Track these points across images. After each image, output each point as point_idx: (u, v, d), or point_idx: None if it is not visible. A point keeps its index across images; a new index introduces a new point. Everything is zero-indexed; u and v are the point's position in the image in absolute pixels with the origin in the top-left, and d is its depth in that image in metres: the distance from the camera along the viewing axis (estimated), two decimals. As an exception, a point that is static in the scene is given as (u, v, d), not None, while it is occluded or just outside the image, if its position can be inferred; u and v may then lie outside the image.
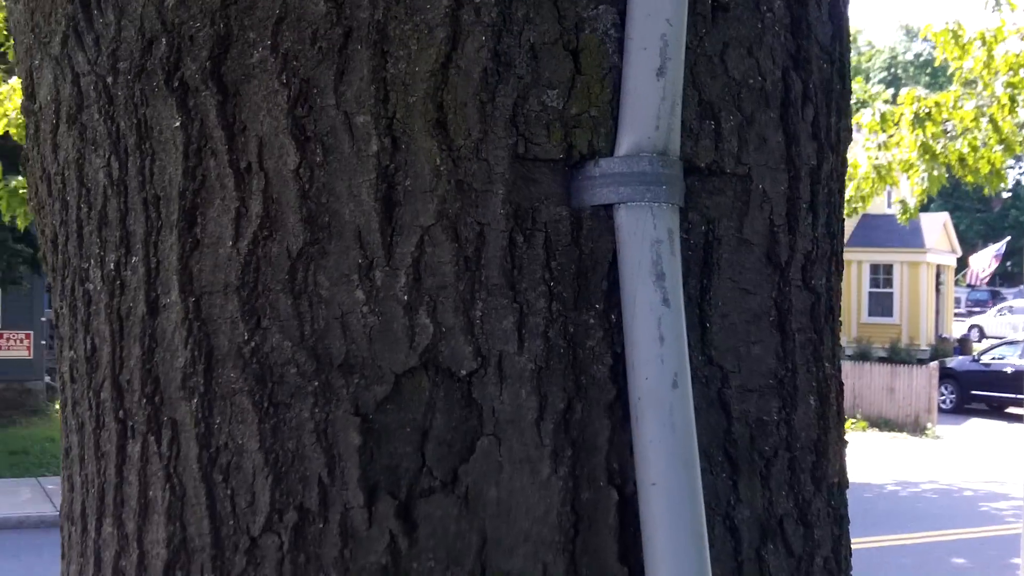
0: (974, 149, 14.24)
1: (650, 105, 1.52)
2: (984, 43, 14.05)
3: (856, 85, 29.14)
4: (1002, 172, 14.54)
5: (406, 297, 1.48)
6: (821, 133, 1.73)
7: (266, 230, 1.50)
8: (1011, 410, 33.61)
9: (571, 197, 1.53)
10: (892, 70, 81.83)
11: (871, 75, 76.86)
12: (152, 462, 1.58)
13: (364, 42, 1.49)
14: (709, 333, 1.61)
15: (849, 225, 42.37)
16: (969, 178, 14.53)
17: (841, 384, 1.83)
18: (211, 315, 1.53)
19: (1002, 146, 14.16)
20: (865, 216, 41.05)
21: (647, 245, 1.51)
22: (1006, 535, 16.40)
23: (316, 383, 1.49)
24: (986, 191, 14.93)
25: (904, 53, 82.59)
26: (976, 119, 14.08)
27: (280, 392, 1.50)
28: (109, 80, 1.61)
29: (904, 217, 15.54)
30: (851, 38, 1.93)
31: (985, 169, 14.40)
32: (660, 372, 1.49)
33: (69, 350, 1.72)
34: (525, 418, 1.50)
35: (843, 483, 1.79)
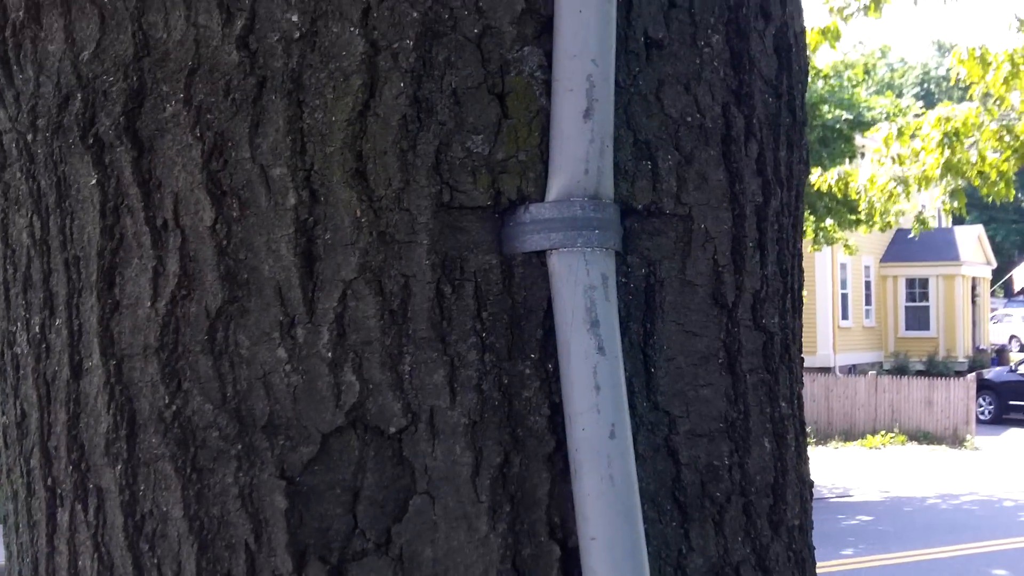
0: (983, 158, 14.17)
1: (578, 148, 1.47)
2: (1012, 64, 14.01)
3: (887, 99, 29.12)
4: (1010, 181, 14.49)
5: (330, 354, 1.44)
6: (768, 169, 1.68)
7: (184, 289, 1.46)
8: (1050, 420, 33.31)
9: (502, 244, 1.49)
10: (925, 85, 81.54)
11: (904, 91, 76.58)
12: (80, 531, 1.53)
13: (279, 92, 1.45)
14: (654, 378, 1.56)
15: (883, 240, 42.24)
16: (985, 191, 14.46)
17: (803, 423, 1.77)
18: (132, 378, 1.49)
19: (1015, 155, 14.10)
20: (899, 231, 40.85)
21: (580, 291, 1.46)
22: (1047, 546, 16.21)
23: (239, 446, 1.44)
24: (989, 199, 14.86)
25: (936, 68, 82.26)
26: (1000, 138, 14.03)
27: (203, 456, 1.45)
28: (29, 137, 1.58)
29: (916, 229, 15.50)
30: (809, 67, 1.88)
31: (994, 175, 14.33)
32: (597, 422, 1.44)
33: (2, 416, 1.68)
34: (460, 474, 1.45)
35: (805, 525, 1.73)
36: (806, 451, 1.77)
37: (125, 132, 1.49)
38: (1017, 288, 44.06)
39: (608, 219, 1.49)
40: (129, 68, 1.49)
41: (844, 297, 40.77)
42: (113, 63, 1.49)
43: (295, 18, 1.45)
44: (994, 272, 49.95)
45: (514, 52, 1.49)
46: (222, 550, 1.45)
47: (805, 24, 1.85)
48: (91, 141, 1.51)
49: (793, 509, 1.69)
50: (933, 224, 15.83)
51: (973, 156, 14.36)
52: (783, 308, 1.71)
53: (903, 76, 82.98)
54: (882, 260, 44.07)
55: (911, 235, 17.29)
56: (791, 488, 1.69)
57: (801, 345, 1.80)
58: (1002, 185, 14.56)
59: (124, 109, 1.49)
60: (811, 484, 1.78)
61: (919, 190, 14.94)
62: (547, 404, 1.48)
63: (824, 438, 30.34)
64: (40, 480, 1.58)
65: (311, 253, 1.44)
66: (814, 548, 1.77)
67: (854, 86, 28.33)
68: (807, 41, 1.86)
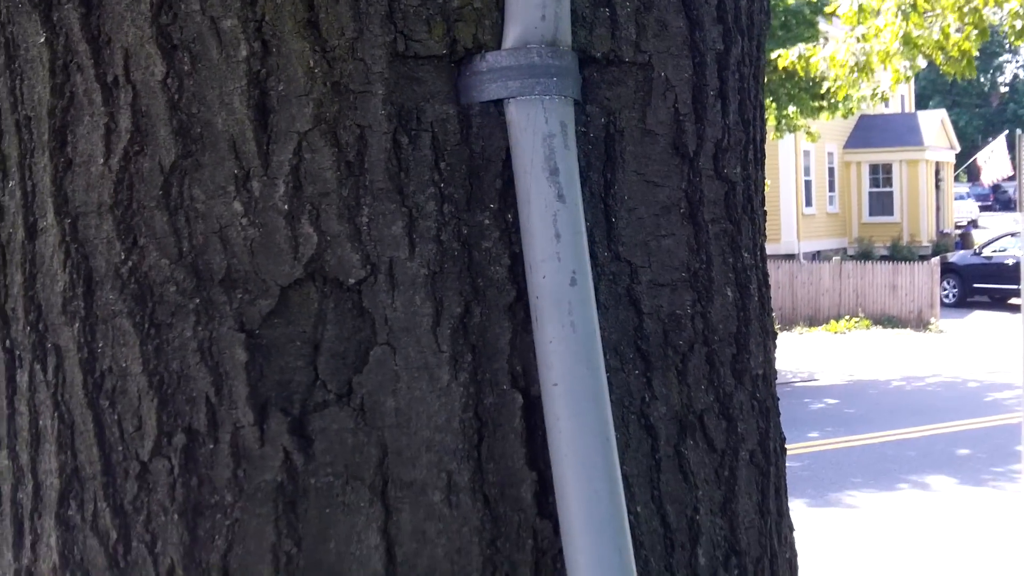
0: (946, 36, 14.14)
1: (534, -7, 1.44)
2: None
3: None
4: (971, 60, 14.48)
5: (286, 206, 1.42)
6: (728, 16, 1.66)
7: (137, 145, 1.44)
8: (1013, 301, 33.54)
9: (459, 94, 1.47)
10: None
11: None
12: (40, 391, 1.52)
13: None
14: (615, 228, 1.55)
15: (846, 126, 42.25)
16: (946, 68, 14.45)
17: (766, 274, 1.77)
18: (87, 236, 1.47)
19: (976, 32, 14.06)
20: (862, 117, 40.93)
21: (539, 140, 1.45)
22: (1010, 424, 16.37)
23: (197, 300, 1.43)
24: (952, 77, 14.86)
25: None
26: (958, 9, 13.98)
27: (161, 312, 1.44)
28: None
29: (874, 100, 15.51)
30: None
31: (955, 55, 14.33)
32: (557, 270, 1.43)
33: (-42, 282, 1.66)
34: (420, 325, 1.44)
35: (769, 374, 1.74)
36: (769, 302, 1.77)
37: None
38: (986, 179, 44.29)
39: (566, 66, 1.47)
40: None
41: (808, 184, 40.89)
42: None
43: None
44: (957, 156, 50.12)
45: None
46: (183, 404, 1.44)
47: None
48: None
49: (756, 358, 1.70)
50: (892, 100, 15.86)
51: (936, 34, 14.32)
52: (745, 158, 1.70)
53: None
54: (845, 146, 44.14)
55: (869, 105, 17.27)
56: (754, 337, 1.69)
57: (764, 198, 1.79)
58: (964, 63, 14.55)
59: None
60: (775, 335, 1.78)
61: (884, 68, 14.91)
62: (507, 254, 1.47)
63: (789, 324, 30.57)
64: (-1, 343, 1.57)
65: (264, 105, 1.42)
66: (778, 398, 1.78)
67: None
68: None
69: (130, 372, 1.45)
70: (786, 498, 1.80)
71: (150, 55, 1.43)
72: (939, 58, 14.42)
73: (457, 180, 1.46)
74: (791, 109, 26.14)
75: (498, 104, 1.47)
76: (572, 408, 1.43)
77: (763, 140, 1.78)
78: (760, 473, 1.70)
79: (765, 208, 1.80)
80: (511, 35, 1.46)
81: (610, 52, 1.54)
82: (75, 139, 1.47)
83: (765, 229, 1.79)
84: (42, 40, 1.48)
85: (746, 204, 1.70)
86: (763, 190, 1.78)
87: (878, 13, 14.63)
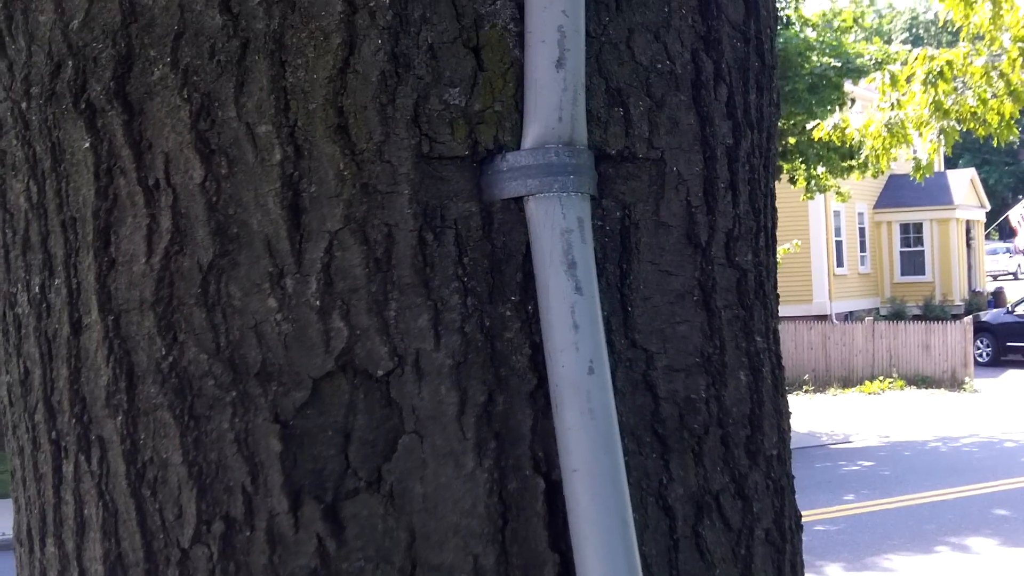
0: (983, 102, 14.21)
1: (552, 96, 1.52)
2: (993, 2, 14.02)
3: (876, 47, 29.04)
4: (1011, 123, 14.53)
5: (318, 302, 1.50)
6: (738, 111, 1.74)
7: (177, 245, 1.52)
8: (1048, 360, 33.44)
9: (481, 192, 1.55)
10: (913, 30, 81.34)
11: (892, 36, 76.38)
12: (85, 480, 1.60)
13: (262, 52, 1.50)
14: (631, 317, 1.62)
15: (876, 186, 42.27)
16: (981, 131, 14.51)
17: (778, 356, 1.83)
18: (130, 332, 1.55)
19: (1011, 97, 14.13)
20: (892, 177, 40.92)
21: (557, 235, 1.52)
22: (1049, 485, 16.33)
23: (234, 393, 1.51)
24: (996, 142, 14.91)
25: (924, 13, 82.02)
26: (986, 74, 14.06)
27: (199, 404, 1.52)
28: (24, 105, 1.63)
29: (919, 174, 15.54)
30: (776, 11, 1.93)
31: (994, 120, 14.38)
32: (576, 359, 1.50)
33: (5, 374, 1.74)
34: (446, 413, 1.51)
35: (783, 454, 1.80)
36: (783, 383, 1.83)
37: (115, 96, 1.54)
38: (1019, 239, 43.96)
39: (583, 164, 1.55)
40: (117, 35, 1.54)
41: (839, 244, 40.86)
42: (102, 30, 1.55)
43: None
44: (988, 215, 50.00)
45: (487, 6, 1.54)
46: (221, 493, 1.51)
47: (773, -30, 1.90)
48: (83, 106, 1.56)
49: (770, 439, 1.76)
50: (933, 166, 15.85)
51: (971, 100, 14.40)
52: (756, 246, 1.77)
53: (891, 22, 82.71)
54: (875, 206, 44.12)
55: (912, 179, 17.30)
56: (768, 419, 1.75)
57: (776, 282, 1.86)
58: (1003, 128, 14.62)
59: (114, 74, 1.54)
60: (788, 415, 1.84)
61: (919, 134, 14.98)
62: (528, 344, 1.54)
63: (823, 385, 30.49)
64: (45, 434, 1.65)
65: (297, 206, 1.50)
66: (793, 477, 1.84)
67: (841, 33, 28.26)
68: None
69: (171, 462, 1.53)
70: (802, 574, 1.85)
71: (189, 159, 1.52)
72: (973, 124, 14.50)
73: (480, 274, 1.53)
74: (821, 170, 26.23)
75: (518, 201, 1.54)
76: (592, 492, 1.49)
77: (774, 226, 1.85)
78: (776, 551, 1.76)
79: (778, 292, 1.87)
80: (530, 135, 1.54)
81: (624, 149, 1.62)
82: (118, 239, 1.55)
83: (778, 312, 1.86)
84: (87, 145, 1.57)
85: (758, 290, 1.76)
86: (775, 275, 1.85)
87: (909, 80, 14.70)
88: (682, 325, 1.65)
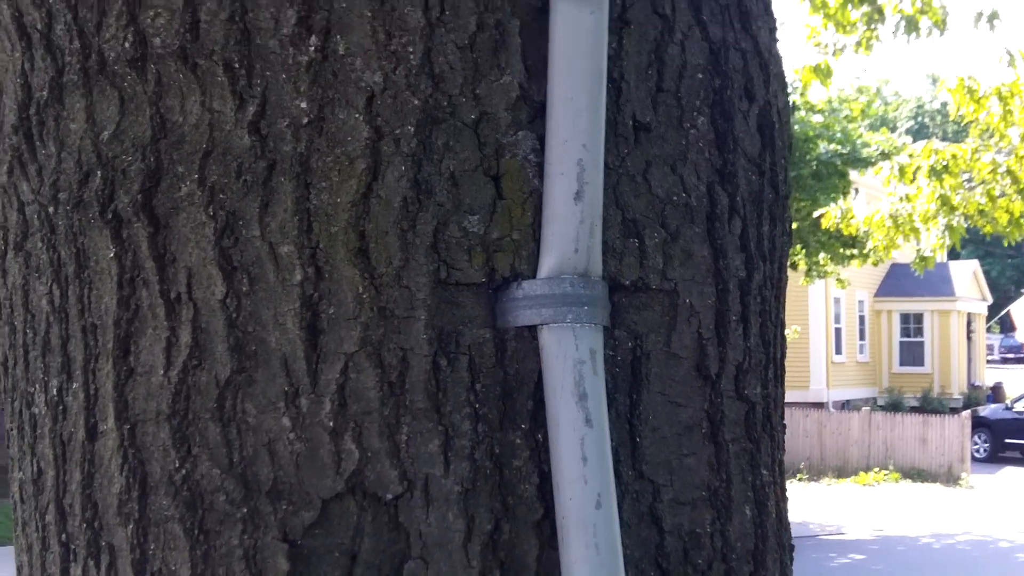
0: (992, 199, 14.27)
1: (569, 228, 1.55)
2: (1000, 98, 14.10)
3: (882, 136, 29.21)
4: (1021, 221, 14.56)
5: (332, 423, 1.52)
6: (751, 244, 1.76)
7: (195, 359, 1.54)
8: (1046, 458, 33.33)
9: (495, 318, 1.57)
10: (919, 119, 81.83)
11: (898, 124, 76.82)
12: None
13: (287, 174, 1.53)
14: (640, 448, 1.63)
15: (878, 274, 42.32)
16: (988, 228, 14.55)
17: (783, 488, 1.85)
18: (144, 442, 1.57)
19: (1021, 196, 14.19)
20: (894, 265, 40.99)
21: (569, 365, 1.54)
22: (1041, 586, 16.22)
23: (245, 509, 1.52)
24: (1006, 241, 14.94)
25: (931, 102, 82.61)
26: (993, 171, 14.12)
27: (210, 519, 1.53)
28: (51, 210, 1.66)
29: (920, 266, 15.57)
30: (789, 139, 1.96)
31: (1003, 219, 14.43)
32: (584, 492, 1.52)
33: (18, 471, 1.76)
34: (452, 540, 1.53)
35: None
36: (787, 517, 1.85)
37: (142, 209, 1.57)
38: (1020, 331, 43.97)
39: (597, 296, 1.58)
40: (147, 149, 1.57)
41: (837, 331, 40.85)
42: (132, 144, 1.58)
43: (304, 105, 1.54)
44: (990, 308, 50.04)
45: (509, 136, 1.58)
46: None
47: (788, 99, 1.94)
48: (110, 216, 1.59)
49: (773, 574, 1.77)
50: (935, 260, 15.86)
51: (979, 197, 14.47)
52: (765, 378, 1.79)
53: (897, 109, 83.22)
54: (876, 294, 44.16)
55: (914, 272, 17.33)
56: (771, 554, 1.77)
57: (783, 413, 1.88)
58: (1012, 227, 14.67)
59: (142, 187, 1.57)
60: (791, 549, 1.86)
61: (927, 229, 15.03)
62: (536, 473, 1.56)
63: (817, 474, 30.36)
64: (55, 535, 1.66)
65: (315, 327, 1.53)
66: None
67: (849, 121, 28.44)
68: (789, 116, 1.95)
69: (179, 575, 1.54)
70: None
71: (211, 275, 1.54)
72: (980, 221, 14.55)
73: (491, 401, 1.56)
74: (821, 256, 26.28)
75: (532, 329, 1.57)
76: (595, 626, 1.50)
77: (783, 356, 1.87)
78: None
79: (784, 422, 1.89)
80: (546, 265, 1.56)
81: (638, 280, 1.64)
82: (138, 349, 1.58)
83: (784, 443, 1.87)
84: (111, 254, 1.59)
85: (765, 423, 1.78)
86: (782, 406, 1.87)
87: (915, 177, 14.76)
88: (689, 457, 1.67)
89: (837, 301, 40.36)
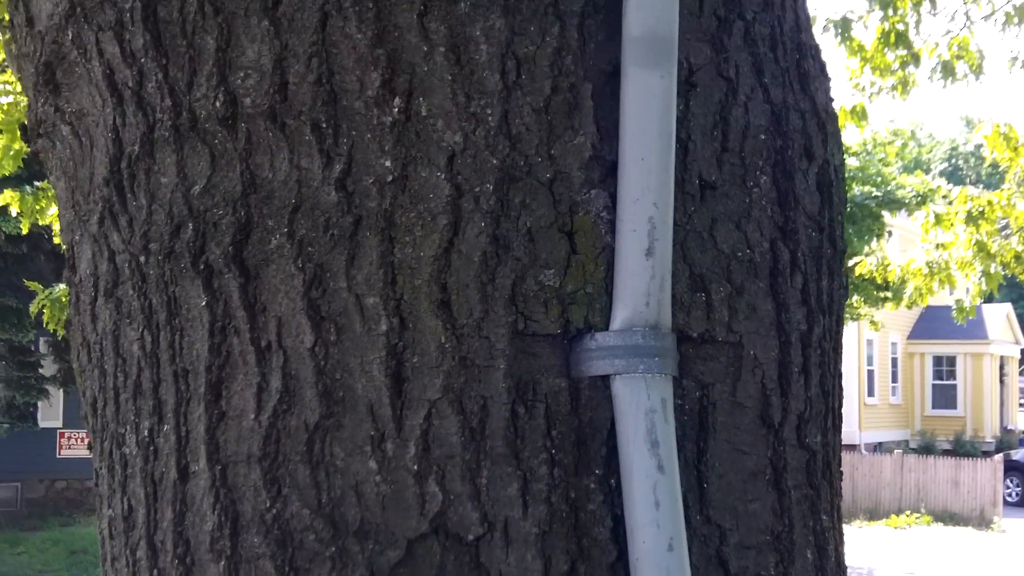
0: (1031, 246, 14.25)
1: (640, 283, 1.63)
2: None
3: (916, 179, 29.18)
4: None
5: (416, 466, 1.59)
6: (811, 298, 1.83)
7: (285, 404, 1.62)
8: (1079, 503, 33.08)
9: (570, 368, 1.64)
10: (953, 161, 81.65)
11: (932, 167, 76.65)
12: None
13: (373, 229, 1.61)
14: (707, 493, 1.70)
15: (911, 317, 42.17)
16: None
17: (841, 533, 1.91)
18: (236, 483, 1.64)
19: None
20: (928, 308, 40.80)
21: (641, 414, 1.61)
22: (1074, 634, 16.10)
23: (333, 548, 1.59)
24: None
25: (964, 144, 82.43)
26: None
27: (300, 557, 1.60)
28: (142, 259, 1.74)
29: (960, 316, 15.51)
30: (847, 195, 2.03)
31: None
32: (656, 536, 1.58)
33: (108, 508, 1.84)
34: None
35: None
36: (844, 562, 1.91)
37: (233, 260, 1.65)
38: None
39: (666, 347, 1.65)
40: (237, 203, 1.65)
41: (870, 374, 40.75)
42: (223, 198, 1.66)
43: (388, 163, 1.62)
44: (1023, 351, 49.77)
45: (582, 195, 1.65)
46: None
47: (843, 157, 2.01)
48: (201, 267, 1.67)
49: (833, 615, 1.83)
50: (958, 293, 15.80)
51: (1016, 244, 14.43)
52: (825, 427, 1.85)
53: (931, 151, 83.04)
54: (909, 337, 44.02)
55: (950, 315, 17.25)
56: (831, 596, 1.83)
57: (840, 460, 1.94)
58: None
59: (232, 240, 1.65)
60: (849, 591, 1.92)
61: (965, 276, 14.99)
62: (610, 516, 1.63)
63: (849, 517, 30.19)
64: (146, 571, 1.74)
65: (400, 375, 1.60)
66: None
67: (885, 165, 28.44)
68: (844, 173, 2.02)
69: None
70: None
71: (300, 325, 1.62)
72: (1014, 267, 14.52)
73: (567, 447, 1.63)
74: (855, 298, 26.24)
75: (605, 379, 1.64)
76: (666, 665, 1.57)
77: (840, 407, 1.94)
78: None
79: (841, 437, 1.95)
80: (618, 318, 1.64)
81: (705, 332, 1.72)
82: (229, 394, 1.66)
83: (841, 490, 1.94)
84: (203, 303, 1.67)
85: (825, 470, 1.85)
86: (840, 454, 1.93)
87: (953, 224, 14.72)
88: (754, 503, 1.74)
89: (870, 343, 40.28)
